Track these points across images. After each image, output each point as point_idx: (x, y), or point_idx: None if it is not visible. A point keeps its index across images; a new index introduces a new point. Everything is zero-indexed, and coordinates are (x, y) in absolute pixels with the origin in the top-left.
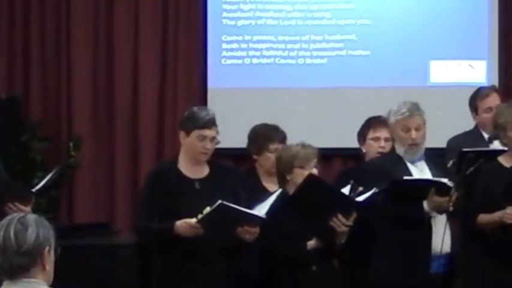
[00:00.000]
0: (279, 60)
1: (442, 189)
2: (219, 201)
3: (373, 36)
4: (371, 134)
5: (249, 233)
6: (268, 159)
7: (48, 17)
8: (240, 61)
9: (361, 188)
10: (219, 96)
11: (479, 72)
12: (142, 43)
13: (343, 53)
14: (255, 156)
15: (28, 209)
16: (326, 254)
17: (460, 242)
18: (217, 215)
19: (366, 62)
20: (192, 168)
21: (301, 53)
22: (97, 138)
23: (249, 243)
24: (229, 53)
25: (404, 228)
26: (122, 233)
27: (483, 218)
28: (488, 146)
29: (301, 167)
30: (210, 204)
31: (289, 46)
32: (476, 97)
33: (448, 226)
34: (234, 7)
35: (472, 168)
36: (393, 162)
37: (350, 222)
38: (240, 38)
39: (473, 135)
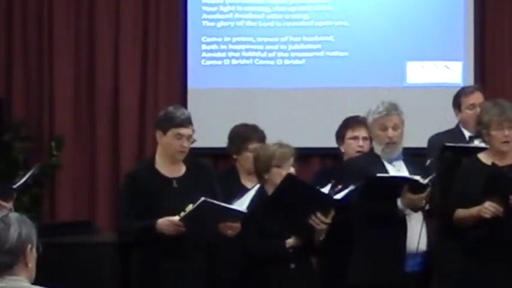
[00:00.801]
0: (257, 61)
1: (416, 187)
2: (202, 198)
3: (350, 38)
4: (349, 134)
5: (231, 229)
6: (247, 158)
7: (31, 18)
8: (219, 62)
9: (340, 186)
10: (199, 97)
11: (455, 73)
12: (123, 44)
13: (321, 54)
14: (234, 156)
15: (10, 205)
16: (304, 252)
17: (436, 240)
18: (200, 212)
19: (343, 63)
20: (169, 167)
21: (279, 54)
22: (79, 138)
23: (228, 241)
24: (209, 54)
25: (379, 227)
26: (103, 231)
27: (461, 212)
28: None
29: (279, 166)
30: (189, 202)
31: (267, 47)
32: (461, 94)
33: (424, 224)
34: (214, 9)
35: (446, 167)
36: (371, 161)
37: (328, 220)
38: (220, 39)
39: (454, 134)
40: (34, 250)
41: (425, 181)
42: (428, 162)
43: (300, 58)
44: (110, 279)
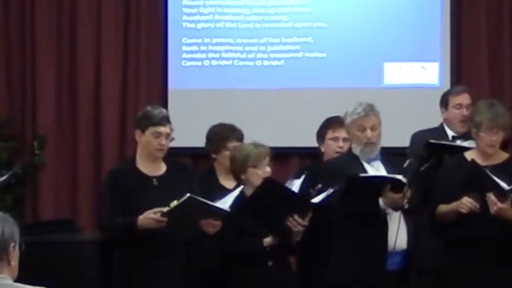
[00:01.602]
0: (237, 62)
1: (397, 186)
2: (188, 194)
3: (328, 39)
4: (330, 134)
5: (212, 226)
6: (226, 157)
7: (13, 17)
8: (199, 63)
9: (320, 185)
10: (179, 97)
11: (431, 73)
12: (104, 45)
13: (300, 55)
14: (213, 155)
15: None
16: (282, 250)
17: (415, 239)
18: (185, 208)
19: (321, 64)
20: (150, 165)
21: (259, 55)
22: (61, 138)
23: (207, 239)
24: (189, 55)
25: (360, 226)
26: (85, 230)
27: (442, 208)
28: None
29: (255, 167)
30: (169, 201)
31: (247, 48)
32: (449, 93)
33: (403, 223)
34: (194, 10)
35: (425, 166)
36: (350, 161)
37: (305, 222)
38: (200, 40)
39: (437, 132)
40: (17, 248)
41: (407, 180)
42: (407, 163)
43: (279, 59)
44: (91, 277)
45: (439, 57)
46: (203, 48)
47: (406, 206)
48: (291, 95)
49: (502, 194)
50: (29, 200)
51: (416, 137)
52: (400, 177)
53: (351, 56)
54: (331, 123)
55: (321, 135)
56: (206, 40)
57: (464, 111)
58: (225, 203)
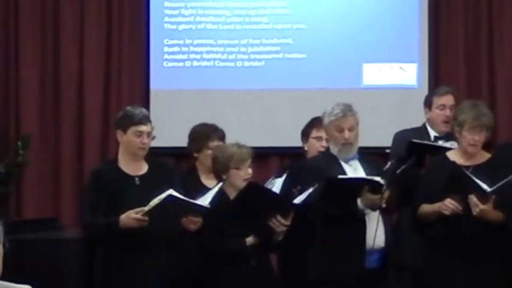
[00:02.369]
0: (218, 63)
1: (375, 187)
2: (168, 192)
3: (308, 40)
4: (314, 133)
5: (193, 223)
6: (208, 156)
7: None
8: (181, 64)
9: (299, 187)
10: (161, 98)
11: (409, 74)
12: (87, 46)
13: (280, 56)
14: (195, 154)
15: None
16: (264, 249)
17: (395, 237)
18: (165, 206)
19: (301, 65)
20: (132, 165)
21: (239, 56)
22: (44, 138)
23: (189, 237)
24: (171, 56)
25: (339, 225)
26: (68, 228)
27: (424, 208)
28: None
29: (237, 168)
30: (150, 199)
31: (228, 49)
32: (434, 94)
33: (381, 222)
34: (176, 12)
35: (402, 167)
36: (328, 161)
37: (288, 222)
38: (181, 41)
39: (420, 132)
40: (1, 247)
41: (385, 181)
42: (388, 164)
43: (259, 60)
44: (74, 274)
45: (417, 58)
46: (184, 49)
47: (384, 206)
48: (271, 96)
49: (483, 196)
50: (13, 199)
51: (399, 136)
52: (378, 178)
53: (330, 57)
54: (316, 123)
55: (305, 133)
56: (187, 41)
57: (448, 112)
58: (204, 200)
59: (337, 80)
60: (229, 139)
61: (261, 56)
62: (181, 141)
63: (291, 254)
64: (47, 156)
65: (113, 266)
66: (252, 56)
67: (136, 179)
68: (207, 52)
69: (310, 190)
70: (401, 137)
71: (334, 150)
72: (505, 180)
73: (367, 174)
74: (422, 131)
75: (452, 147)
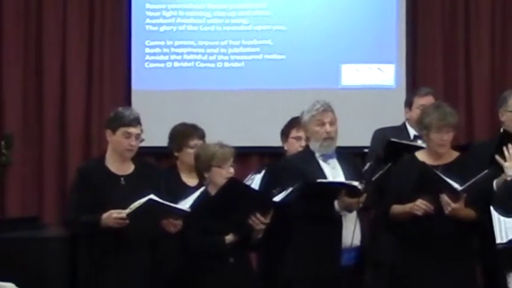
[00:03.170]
0: (198, 64)
1: (353, 191)
2: (149, 197)
3: (287, 41)
4: (293, 133)
5: (173, 225)
6: (188, 155)
7: None
8: (162, 65)
9: (278, 189)
10: (142, 98)
11: (387, 75)
12: (70, 47)
13: (260, 57)
14: (176, 153)
15: None
16: (243, 247)
17: (372, 235)
18: (146, 209)
19: (281, 66)
20: (118, 165)
21: (219, 57)
22: (27, 137)
23: (171, 236)
24: (152, 57)
25: (316, 224)
26: (50, 227)
27: (396, 208)
28: None
29: (219, 167)
30: (135, 199)
31: (208, 50)
32: (415, 94)
33: (358, 221)
34: (157, 14)
35: (379, 173)
36: (307, 160)
37: (267, 220)
38: (162, 42)
39: (399, 131)
40: None
41: (362, 186)
42: (367, 166)
43: (240, 61)
44: (57, 273)
45: (395, 59)
46: (166, 50)
47: (361, 206)
48: (251, 96)
49: (454, 194)
50: None
51: (378, 134)
52: (356, 183)
53: (309, 58)
54: (296, 123)
55: (285, 133)
56: (168, 42)
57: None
58: (186, 203)
59: (316, 80)
60: (210, 139)
61: (241, 57)
62: (162, 141)
63: (270, 252)
64: (30, 156)
65: (95, 265)
66: (232, 57)
67: (122, 178)
68: (188, 53)
69: (290, 189)
70: (381, 134)
71: (314, 146)
72: (475, 178)
73: (345, 174)
74: (402, 129)
75: None
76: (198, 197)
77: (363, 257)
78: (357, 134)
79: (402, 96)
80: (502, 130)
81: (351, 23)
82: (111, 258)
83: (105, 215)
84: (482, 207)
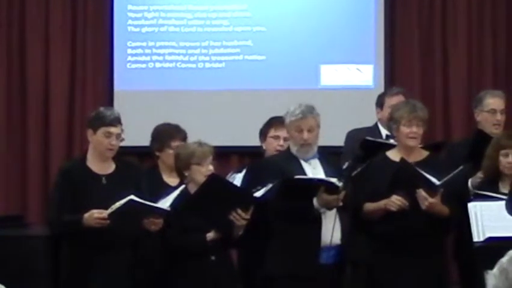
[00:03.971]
0: (180, 65)
1: (331, 188)
2: (129, 197)
3: (267, 42)
4: (272, 133)
5: (154, 224)
6: (169, 155)
7: None
8: (144, 65)
9: (259, 187)
10: (124, 98)
11: (366, 75)
12: (53, 48)
13: (240, 57)
14: (157, 153)
15: None
16: (224, 245)
17: (350, 233)
18: (127, 209)
19: (261, 66)
20: (100, 164)
21: (200, 58)
22: (10, 137)
23: (152, 234)
24: (134, 58)
25: (295, 222)
26: (34, 225)
27: (369, 206)
28: None
29: (198, 164)
30: (116, 199)
31: (189, 51)
32: (386, 94)
33: (337, 219)
34: (139, 15)
35: (358, 170)
36: (288, 159)
37: (248, 216)
38: (144, 43)
39: (372, 131)
40: None
41: (341, 183)
42: (346, 164)
43: (220, 61)
44: (40, 271)
45: (373, 59)
46: (147, 51)
47: (341, 204)
48: (232, 96)
49: (432, 190)
50: None
51: (352, 135)
52: (334, 180)
53: (289, 58)
54: (274, 122)
55: (263, 133)
56: (150, 43)
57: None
58: (166, 202)
59: (296, 80)
60: (191, 138)
61: (221, 57)
62: (144, 140)
63: (250, 250)
64: (13, 155)
65: (78, 264)
66: (213, 58)
67: (103, 178)
68: (169, 54)
69: (269, 186)
70: (354, 135)
71: (293, 149)
72: (452, 174)
73: (326, 173)
74: (374, 130)
75: None
76: (178, 195)
77: (342, 256)
78: (336, 133)
79: None
80: (477, 130)
81: (330, 24)
82: (94, 258)
83: (86, 215)
84: (456, 203)
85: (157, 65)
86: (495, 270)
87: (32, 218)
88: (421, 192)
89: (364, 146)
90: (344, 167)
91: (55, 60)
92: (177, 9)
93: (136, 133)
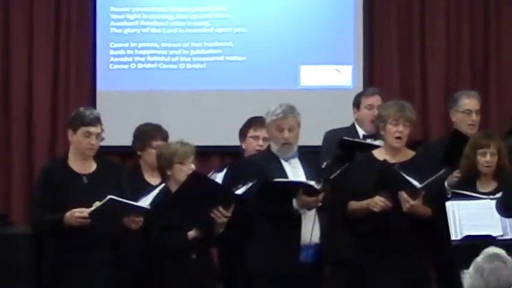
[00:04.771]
0: (162, 65)
1: (310, 190)
2: (109, 197)
3: (248, 43)
4: (251, 133)
5: (134, 222)
6: (151, 155)
7: None
8: (126, 66)
9: (240, 186)
10: (107, 98)
11: (345, 76)
12: (36, 49)
13: (221, 58)
14: (139, 153)
15: None
16: (205, 243)
17: (328, 233)
18: (107, 208)
19: (241, 67)
20: (81, 164)
21: (182, 59)
22: None
23: (133, 233)
24: (117, 59)
25: (275, 221)
26: (18, 224)
27: (353, 205)
28: None
29: (181, 163)
30: (97, 197)
31: (171, 52)
32: (362, 94)
33: (317, 219)
34: (121, 16)
35: (337, 173)
36: (268, 159)
37: (229, 213)
38: (127, 44)
39: (349, 131)
40: None
41: (319, 186)
42: (324, 164)
43: (201, 62)
44: (24, 269)
45: (352, 60)
46: (130, 52)
47: (320, 205)
48: (213, 97)
49: (413, 192)
50: None
51: (328, 135)
52: (312, 183)
53: (269, 59)
54: (254, 122)
55: (243, 132)
56: (132, 44)
57: (375, 112)
58: (146, 201)
59: (276, 81)
60: (172, 138)
61: (202, 58)
62: (126, 140)
63: (231, 248)
64: None
65: (61, 262)
66: (194, 59)
67: (85, 177)
68: (151, 55)
69: (250, 184)
70: (332, 136)
71: (274, 148)
72: (434, 177)
73: (306, 173)
74: (351, 130)
75: (381, 145)
76: (158, 194)
77: (321, 254)
78: (316, 133)
79: None
80: (454, 130)
81: (309, 25)
82: (75, 256)
83: (67, 214)
84: (437, 204)
85: (140, 65)
86: (471, 269)
87: (16, 217)
88: (403, 195)
89: (342, 146)
90: (322, 167)
91: (38, 61)
92: (159, 10)
93: (119, 133)
